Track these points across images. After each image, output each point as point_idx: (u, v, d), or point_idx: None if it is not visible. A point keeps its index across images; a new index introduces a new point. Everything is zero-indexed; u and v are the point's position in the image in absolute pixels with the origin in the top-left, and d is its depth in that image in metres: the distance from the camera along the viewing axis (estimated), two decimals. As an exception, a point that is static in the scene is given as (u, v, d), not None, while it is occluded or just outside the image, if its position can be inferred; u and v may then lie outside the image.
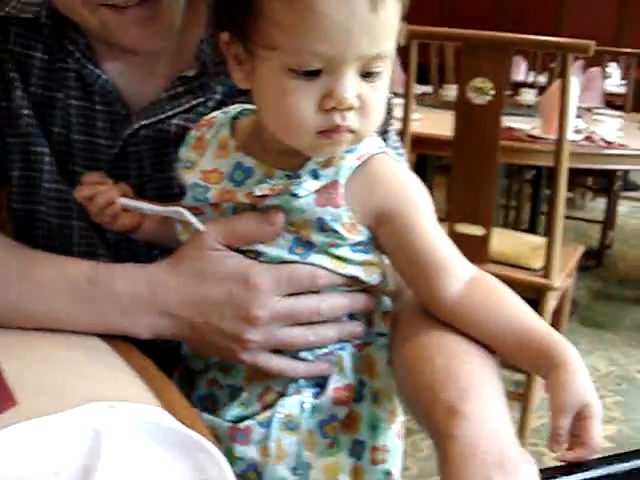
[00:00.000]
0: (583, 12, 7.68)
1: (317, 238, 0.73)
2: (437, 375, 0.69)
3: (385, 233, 0.74)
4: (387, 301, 0.82)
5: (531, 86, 4.61)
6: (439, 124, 2.30)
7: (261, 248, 0.75)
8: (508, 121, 2.63)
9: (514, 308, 0.72)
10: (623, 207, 5.42)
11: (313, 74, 0.65)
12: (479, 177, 2.10)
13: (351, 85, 0.65)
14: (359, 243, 0.75)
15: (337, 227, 0.72)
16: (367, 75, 0.67)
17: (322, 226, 0.72)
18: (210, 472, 0.51)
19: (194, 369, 0.83)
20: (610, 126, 2.74)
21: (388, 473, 0.80)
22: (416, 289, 0.77)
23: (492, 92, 1.96)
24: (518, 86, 4.50)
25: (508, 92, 4.20)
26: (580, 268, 3.96)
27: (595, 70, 4.19)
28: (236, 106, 0.81)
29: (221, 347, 0.77)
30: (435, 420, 0.64)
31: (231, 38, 0.70)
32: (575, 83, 2.46)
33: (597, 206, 5.18)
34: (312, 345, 0.77)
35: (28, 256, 0.83)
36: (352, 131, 0.68)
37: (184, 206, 0.78)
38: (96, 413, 0.56)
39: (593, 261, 4.16)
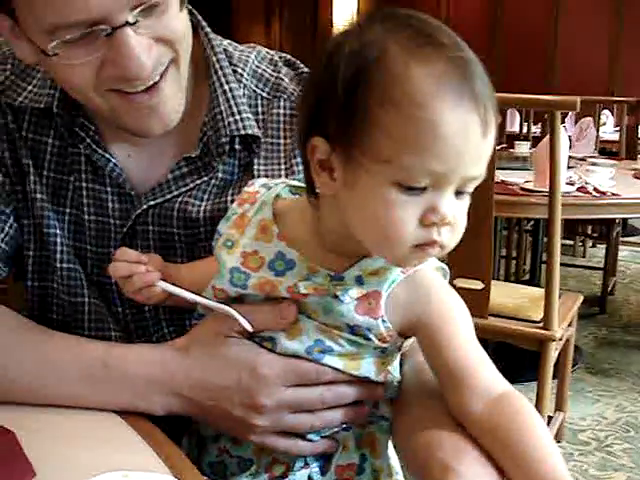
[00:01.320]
0: (575, 63, 7.81)
1: (343, 343, 0.75)
2: (435, 435, 0.73)
3: (420, 341, 0.77)
4: (394, 386, 0.83)
5: (525, 138, 4.70)
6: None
7: (281, 339, 0.77)
8: (502, 175, 2.70)
9: (531, 436, 0.69)
10: (624, 252, 5.46)
11: (419, 190, 0.66)
12: (475, 231, 2.15)
13: (451, 203, 0.67)
14: (382, 349, 0.77)
15: (371, 336, 0.74)
16: (459, 193, 0.68)
17: (356, 332, 0.75)
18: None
19: (206, 436, 0.86)
20: (603, 176, 2.80)
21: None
22: (445, 394, 0.76)
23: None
24: (513, 138, 4.60)
25: (503, 144, 4.31)
26: (583, 316, 4.00)
27: (587, 120, 4.27)
28: (279, 182, 0.83)
29: (230, 428, 0.81)
30: (431, 477, 0.68)
31: (328, 145, 0.69)
32: (565, 137, 2.53)
33: (598, 253, 5.22)
34: (317, 429, 0.81)
35: (43, 338, 0.86)
36: (442, 246, 0.69)
37: (218, 288, 0.79)
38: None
39: (596, 308, 4.18)
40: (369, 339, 0.75)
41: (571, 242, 5.43)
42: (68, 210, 0.96)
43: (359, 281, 0.74)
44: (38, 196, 0.95)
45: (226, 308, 0.78)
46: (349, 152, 0.67)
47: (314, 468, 0.81)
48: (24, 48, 0.83)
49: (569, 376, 2.58)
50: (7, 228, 0.94)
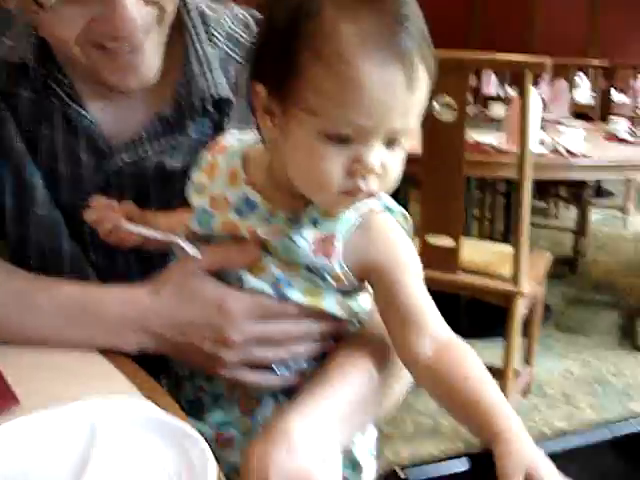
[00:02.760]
0: (552, 26, 7.82)
1: (302, 280, 0.80)
2: None
3: (374, 286, 0.81)
4: (357, 326, 0.87)
5: (501, 99, 4.73)
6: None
7: (246, 277, 0.81)
8: (476, 135, 2.74)
9: (476, 379, 0.72)
10: (596, 215, 5.55)
11: (344, 140, 0.70)
12: (447, 190, 2.20)
13: (377, 153, 0.71)
14: (342, 288, 0.81)
15: (326, 276, 0.78)
16: (390, 144, 0.72)
17: (312, 272, 0.79)
18: (192, 454, 0.59)
19: (180, 375, 0.89)
20: (574, 137, 2.84)
21: (356, 464, 0.87)
22: (394, 341, 0.79)
23: (455, 108, 2.05)
24: (489, 100, 4.63)
25: (479, 106, 4.34)
26: (554, 276, 4.07)
27: (562, 82, 4.30)
28: (249, 135, 0.86)
29: (201, 363, 0.85)
30: None
31: (266, 92, 0.73)
32: (536, 97, 2.57)
33: (570, 215, 5.30)
34: (285, 362, 0.85)
35: (23, 281, 0.90)
36: (370, 193, 0.74)
37: (191, 231, 0.84)
38: (91, 408, 0.64)
39: (566, 268, 4.27)
40: (325, 279, 0.79)
41: (544, 204, 5.50)
42: (44, 161, 0.98)
43: (315, 223, 0.78)
44: (17, 144, 0.97)
45: (175, 239, 0.83)
46: (283, 101, 0.71)
47: (282, 400, 0.85)
48: None
49: (538, 332, 2.65)
50: None
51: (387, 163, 0.72)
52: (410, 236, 0.82)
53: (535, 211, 5.18)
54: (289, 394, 0.85)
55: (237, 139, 0.87)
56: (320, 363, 0.84)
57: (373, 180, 0.72)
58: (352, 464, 0.87)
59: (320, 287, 0.80)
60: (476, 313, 3.30)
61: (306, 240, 0.77)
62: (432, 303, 0.79)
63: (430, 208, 2.26)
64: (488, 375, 0.73)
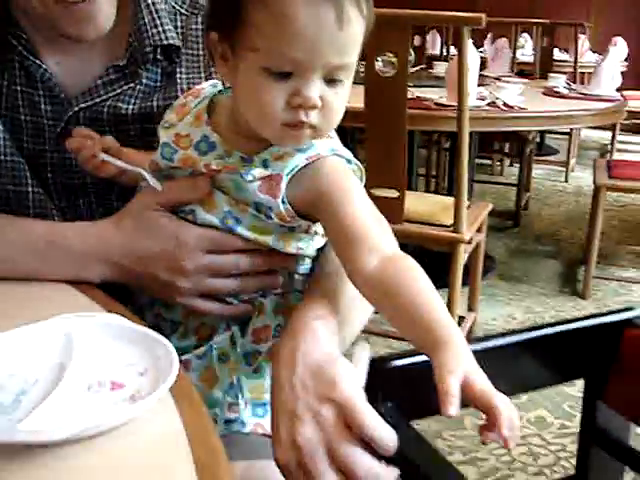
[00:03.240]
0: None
1: (249, 217, 0.87)
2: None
3: (320, 216, 0.87)
4: (307, 265, 0.95)
5: (445, 59, 4.84)
6: (352, 97, 2.48)
7: (199, 212, 0.89)
8: (419, 92, 2.83)
9: (420, 289, 0.75)
10: (540, 170, 5.73)
11: (284, 75, 0.77)
12: (390, 144, 2.28)
13: (316, 88, 0.77)
14: (288, 226, 0.88)
15: (271, 214, 0.86)
16: (330, 81, 0.78)
17: (258, 209, 0.86)
18: (159, 353, 0.67)
19: (141, 304, 0.97)
20: (512, 92, 2.96)
21: None
22: (342, 260, 0.83)
23: (396, 64, 2.14)
24: (433, 60, 4.73)
25: (423, 65, 4.44)
26: (498, 229, 4.23)
27: (503, 41, 4.42)
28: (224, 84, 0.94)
29: (159, 291, 0.93)
30: None
31: (219, 38, 0.81)
32: (475, 54, 2.67)
33: (515, 171, 5.45)
34: (235, 292, 0.93)
35: None
36: (313, 127, 0.80)
37: (156, 164, 0.92)
38: (65, 321, 0.72)
39: (510, 222, 4.43)
40: (271, 217, 0.86)
41: (489, 162, 5.65)
42: (4, 112, 1.05)
43: (265, 164, 0.85)
44: None
45: (140, 170, 0.91)
46: (233, 45, 0.80)
47: (235, 330, 0.93)
48: None
49: (479, 279, 2.77)
50: None
51: (327, 98, 0.79)
52: (363, 183, 0.88)
53: (480, 169, 5.37)
54: (241, 323, 0.94)
55: (212, 86, 0.95)
56: (269, 295, 0.93)
57: (314, 113, 0.79)
58: None
59: (266, 224, 0.88)
60: (421, 265, 3.43)
61: (254, 178, 0.85)
62: (381, 220, 0.85)
63: (374, 162, 2.34)
64: (431, 286, 0.76)
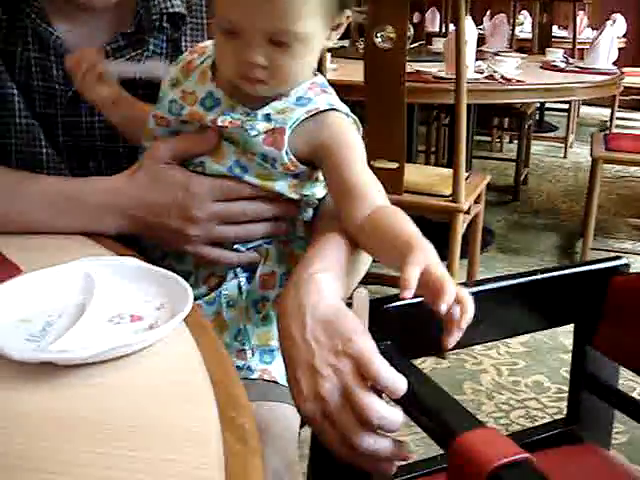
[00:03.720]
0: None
1: (256, 166, 0.93)
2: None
3: (322, 166, 0.94)
4: (310, 213, 1.01)
5: (444, 36, 4.86)
6: (354, 73, 2.53)
7: (208, 163, 0.94)
8: (418, 66, 2.87)
9: (397, 219, 0.84)
10: (539, 147, 5.76)
11: (233, 34, 0.85)
12: (390, 117, 2.33)
13: (257, 48, 0.84)
14: (294, 174, 0.94)
15: (276, 165, 0.92)
16: (277, 43, 0.86)
17: (264, 159, 0.92)
18: (174, 288, 0.73)
19: (154, 258, 1.01)
20: (509, 65, 3.00)
21: None
22: (338, 208, 0.91)
23: (394, 36, 2.18)
24: (432, 36, 4.76)
25: (422, 41, 4.46)
26: (497, 203, 4.27)
27: (501, 16, 4.44)
28: None
29: (171, 240, 0.98)
30: None
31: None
32: (472, 27, 2.71)
33: (514, 148, 5.48)
34: (242, 239, 0.98)
35: (13, 174, 1.02)
36: (263, 82, 0.88)
37: (164, 119, 0.96)
38: (87, 263, 0.77)
39: (509, 196, 4.47)
40: (275, 167, 0.92)
41: (488, 138, 5.69)
42: (17, 78, 1.09)
43: (267, 118, 0.91)
44: None
45: (156, 62, 1.00)
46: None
47: (242, 278, 0.98)
48: None
49: (478, 250, 2.82)
50: None
51: (273, 58, 0.86)
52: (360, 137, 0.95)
53: (480, 145, 5.41)
54: (248, 271, 0.99)
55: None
56: (274, 242, 0.98)
57: (259, 70, 0.86)
58: None
59: (272, 172, 0.93)
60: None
61: (259, 132, 0.90)
62: (375, 180, 0.92)
63: (374, 134, 2.38)
64: (408, 218, 0.85)
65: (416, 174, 2.54)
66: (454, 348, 0.76)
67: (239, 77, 0.88)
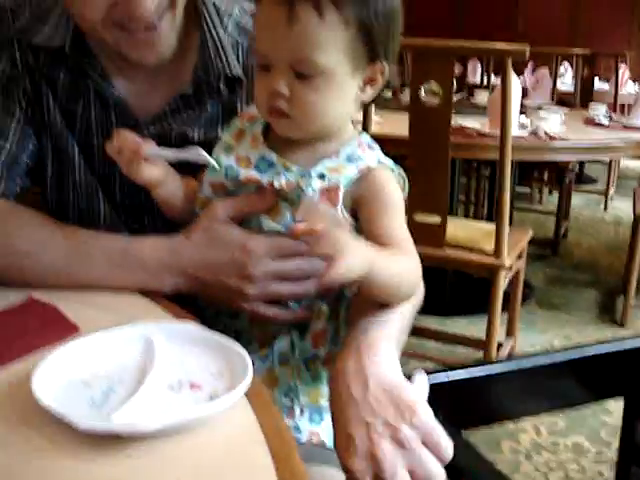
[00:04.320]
0: (536, 15, 7.97)
1: None
2: None
3: (360, 217, 0.95)
4: None
5: (486, 87, 4.89)
6: (396, 125, 2.55)
7: (264, 222, 0.96)
8: (462, 120, 2.89)
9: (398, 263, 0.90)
10: (579, 199, 5.73)
11: (265, 68, 0.90)
12: (433, 171, 2.34)
13: (281, 77, 0.88)
14: None
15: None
16: (300, 76, 0.89)
17: None
18: (233, 358, 0.74)
19: (207, 315, 1.03)
20: (553, 121, 3.00)
21: None
22: None
23: (441, 94, 2.20)
24: (474, 88, 4.79)
25: (464, 94, 4.50)
26: (537, 257, 4.25)
27: (544, 70, 4.46)
28: None
29: (227, 298, 0.99)
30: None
31: None
32: (517, 83, 2.72)
33: (554, 200, 5.46)
34: (297, 296, 0.99)
35: (70, 233, 1.03)
36: (285, 115, 0.91)
37: (220, 184, 0.98)
38: (146, 326, 0.79)
39: (549, 250, 4.44)
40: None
41: (529, 190, 5.67)
42: (78, 135, 1.13)
43: (322, 177, 0.93)
44: (55, 120, 1.11)
45: (198, 149, 0.97)
46: None
47: (294, 335, 0.99)
48: None
49: (519, 305, 2.80)
50: (30, 146, 1.11)
51: (295, 89, 0.89)
52: (406, 191, 0.98)
53: (520, 197, 5.40)
54: (300, 328, 1.00)
55: None
56: (326, 299, 0.99)
57: (282, 102, 0.90)
58: None
59: None
60: (461, 291, 3.47)
61: (315, 190, 0.93)
62: (403, 237, 0.94)
63: (417, 188, 2.38)
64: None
65: (457, 228, 2.54)
66: (501, 419, 0.76)
67: (267, 112, 0.92)
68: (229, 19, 1.17)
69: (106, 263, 0.99)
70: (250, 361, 0.73)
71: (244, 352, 0.74)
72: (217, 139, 1.11)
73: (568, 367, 0.98)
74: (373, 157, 0.96)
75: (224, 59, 1.12)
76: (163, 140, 1.12)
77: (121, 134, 0.99)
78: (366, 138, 0.99)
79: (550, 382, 0.95)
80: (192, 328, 0.81)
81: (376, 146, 0.99)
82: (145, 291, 0.98)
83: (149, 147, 0.98)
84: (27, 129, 1.11)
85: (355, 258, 0.78)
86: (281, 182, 0.94)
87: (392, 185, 0.96)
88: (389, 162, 0.98)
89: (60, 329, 0.84)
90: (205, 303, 1.03)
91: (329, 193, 0.93)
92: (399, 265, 0.90)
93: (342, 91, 0.92)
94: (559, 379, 0.96)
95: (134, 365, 0.74)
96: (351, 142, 0.97)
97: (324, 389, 1.00)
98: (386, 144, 1.01)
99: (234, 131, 1.02)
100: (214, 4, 1.16)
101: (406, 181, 0.99)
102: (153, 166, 1.00)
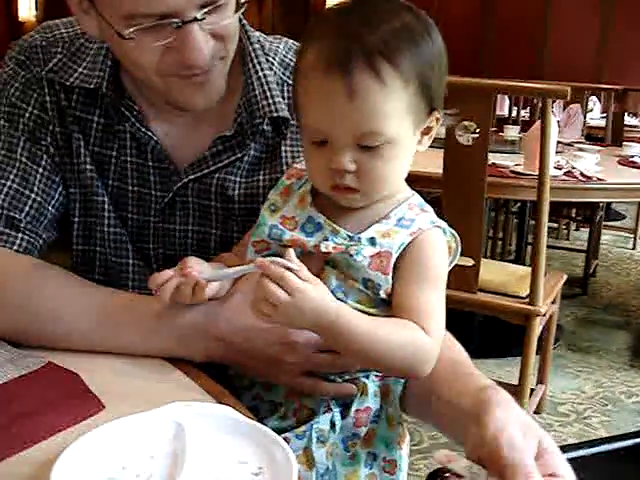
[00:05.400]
0: (564, 49, 7.91)
1: (357, 292, 0.87)
2: None
3: (394, 282, 0.87)
4: None
5: (514, 121, 4.82)
6: (428, 162, 2.47)
7: None
8: (493, 158, 2.81)
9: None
10: (607, 236, 5.61)
11: (321, 145, 0.83)
12: (467, 212, 2.27)
13: (346, 153, 0.82)
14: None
15: (380, 291, 0.86)
16: (365, 147, 0.83)
17: (366, 286, 0.87)
18: (274, 451, 0.66)
19: (240, 386, 0.96)
20: (589, 161, 2.92)
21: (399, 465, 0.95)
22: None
23: (477, 132, 2.13)
24: (502, 121, 4.71)
25: (493, 128, 4.42)
26: (565, 296, 4.13)
27: (575, 106, 4.38)
28: None
29: (264, 368, 0.92)
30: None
31: None
32: (554, 123, 2.64)
33: (581, 236, 5.36)
34: (338, 370, 0.92)
35: (96, 293, 0.97)
36: (354, 190, 0.84)
37: (265, 244, 0.91)
38: (176, 410, 0.71)
39: (578, 289, 4.33)
40: (378, 293, 0.86)
41: (555, 225, 5.57)
42: (111, 182, 1.06)
43: (372, 242, 0.86)
44: (85, 167, 1.05)
45: (250, 266, 0.87)
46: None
47: (336, 412, 0.92)
48: (90, 23, 0.95)
49: (551, 351, 2.71)
50: (57, 195, 1.05)
51: (362, 162, 0.83)
52: (458, 253, 0.92)
53: (547, 232, 5.27)
54: (342, 405, 0.92)
55: None
56: (371, 376, 0.91)
57: (349, 177, 0.83)
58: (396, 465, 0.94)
59: (372, 299, 0.88)
60: (489, 333, 3.38)
61: (364, 257, 0.85)
62: (434, 306, 0.86)
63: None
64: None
65: (490, 271, 2.45)
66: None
67: (330, 188, 0.85)
68: (275, 57, 1.11)
69: (133, 328, 0.92)
70: (294, 457, 0.65)
71: (287, 447, 0.66)
72: (258, 192, 1.05)
73: (630, 453, 0.90)
74: (426, 219, 0.89)
75: (270, 99, 1.06)
76: (203, 187, 1.05)
77: (162, 276, 0.91)
78: (417, 200, 0.92)
79: (617, 470, 0.87)
80: (228, 413, 0.73)
81: (429, 208, 0.92)
82: (174, 358, 0.90)
83: (206, 275, 0.90)
84: (54, 177, 1.05)
85: (307, 302, 0.77)
86: (328, 246, 0.87)
87: (439, 256, 0.89)
88: (442, 224, 0.91)
89: (84, 406, 0.77)
90: (237, 373, 0.96)
91: (380, 259, 0.86)
92: (390, 333, 0.83)
93: (407, 151, 0.86)
94: (628, 466, 0.88)
95: (164, 459, 0.66)
96: (402, 204, 0.90)
97: (361, 471, 0.92)
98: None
99: (281, 190, 0.96)
100: (259, 42, 1.10)
101: (459, 243, 0.92)
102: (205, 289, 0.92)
